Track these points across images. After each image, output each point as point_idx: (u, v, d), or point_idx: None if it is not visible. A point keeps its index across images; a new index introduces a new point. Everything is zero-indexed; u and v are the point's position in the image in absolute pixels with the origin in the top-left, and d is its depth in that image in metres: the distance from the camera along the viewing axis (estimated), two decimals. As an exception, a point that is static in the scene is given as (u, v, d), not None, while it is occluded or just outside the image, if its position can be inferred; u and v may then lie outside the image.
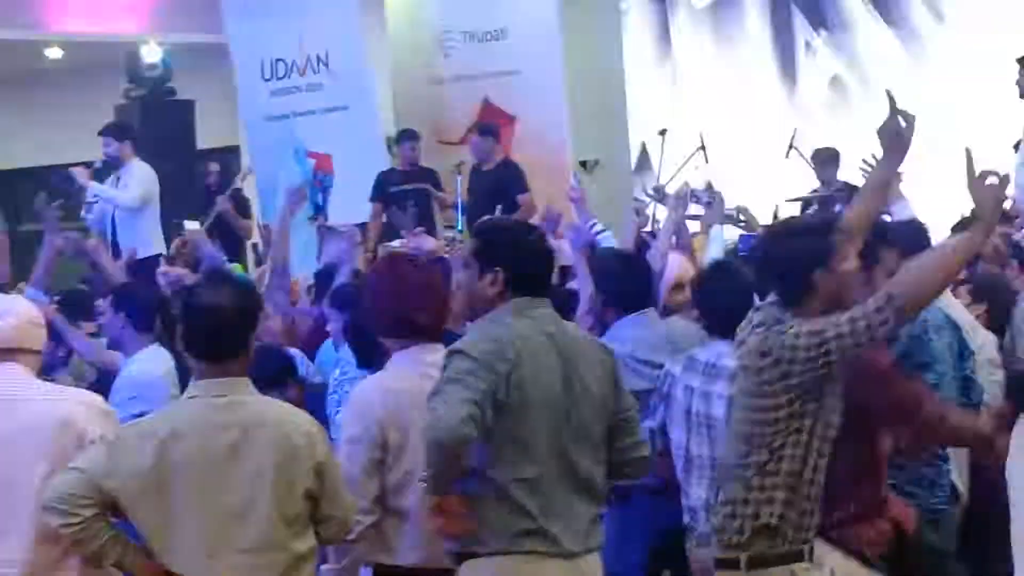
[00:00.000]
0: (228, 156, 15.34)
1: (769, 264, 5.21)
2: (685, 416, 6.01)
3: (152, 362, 6.80)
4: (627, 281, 6.84)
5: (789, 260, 5.09)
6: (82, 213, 12.58)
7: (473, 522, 4.77)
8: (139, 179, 12.39)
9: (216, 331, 4.77)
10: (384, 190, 12.21)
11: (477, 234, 5.26)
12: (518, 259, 4.98)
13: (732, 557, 5.01)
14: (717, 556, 5.09)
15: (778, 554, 4.95)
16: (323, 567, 5.12)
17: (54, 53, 17.60)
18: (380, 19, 13.87)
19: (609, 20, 15.41)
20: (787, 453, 4.90)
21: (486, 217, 8.23)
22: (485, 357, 4.70)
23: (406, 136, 12.86)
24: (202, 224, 11.37)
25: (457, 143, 13.01)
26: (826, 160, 12.50)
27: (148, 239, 11.81)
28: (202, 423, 4.69)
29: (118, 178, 12.40)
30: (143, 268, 9.85)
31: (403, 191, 11.70)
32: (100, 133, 12.66)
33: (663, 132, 12.72)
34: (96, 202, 12.34)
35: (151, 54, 15.22)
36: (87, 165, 12.57)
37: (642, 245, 8.80)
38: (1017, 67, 10.96)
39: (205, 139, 15.76)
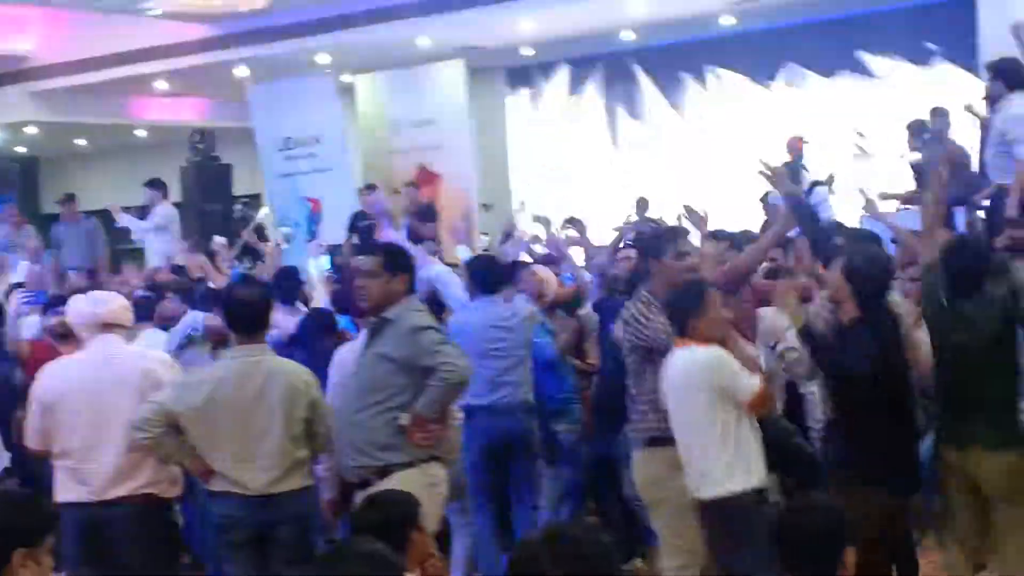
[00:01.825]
0: (254, 200, 15.11)
1: None
2: None
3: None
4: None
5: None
6: (132, 236, 12.34)
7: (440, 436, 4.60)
8: (161, 215, 11.89)
9: (247, 314, 4.69)
10: (355, 224, 12.07)
11: (384, 251, 4.87)
12: (412, 268, 4.85)
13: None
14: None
15: (667, 438, 4.67)
16: (317, 467, 4.98)
17: (141, 133, 17.36)
18: (353, 111, 13.77)
19: (497, 114, 15.53)
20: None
21: (384, 241, 7.76)
22: (440, 327, 4.66)
23: (369, 188, 12.72)
24: (232, 246, 10.87)
25: (400, 192, 12.90)
26: (640, 204, 12.45)
27: (165, 254, 11.20)
28: (238, 374, 4.60)
29: (150, 214, 11.99)
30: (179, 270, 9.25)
31: (367, 224, 11.56)
32: (144, 184, 12.11)
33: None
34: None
35: (203, 136, 15.02)
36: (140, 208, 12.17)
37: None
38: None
39: (238, 188, 15.47)
